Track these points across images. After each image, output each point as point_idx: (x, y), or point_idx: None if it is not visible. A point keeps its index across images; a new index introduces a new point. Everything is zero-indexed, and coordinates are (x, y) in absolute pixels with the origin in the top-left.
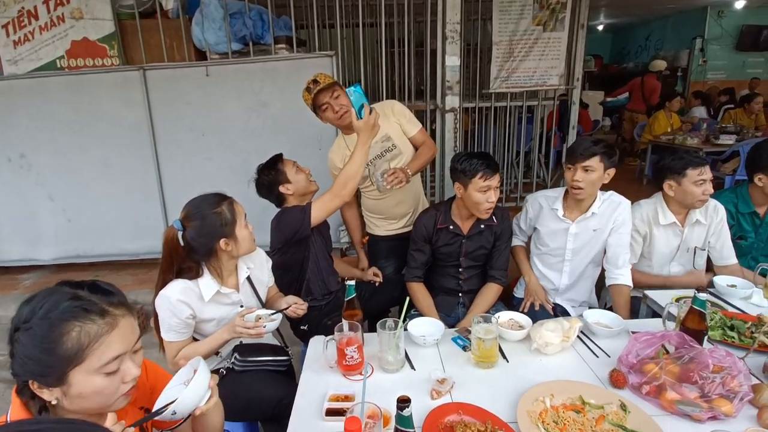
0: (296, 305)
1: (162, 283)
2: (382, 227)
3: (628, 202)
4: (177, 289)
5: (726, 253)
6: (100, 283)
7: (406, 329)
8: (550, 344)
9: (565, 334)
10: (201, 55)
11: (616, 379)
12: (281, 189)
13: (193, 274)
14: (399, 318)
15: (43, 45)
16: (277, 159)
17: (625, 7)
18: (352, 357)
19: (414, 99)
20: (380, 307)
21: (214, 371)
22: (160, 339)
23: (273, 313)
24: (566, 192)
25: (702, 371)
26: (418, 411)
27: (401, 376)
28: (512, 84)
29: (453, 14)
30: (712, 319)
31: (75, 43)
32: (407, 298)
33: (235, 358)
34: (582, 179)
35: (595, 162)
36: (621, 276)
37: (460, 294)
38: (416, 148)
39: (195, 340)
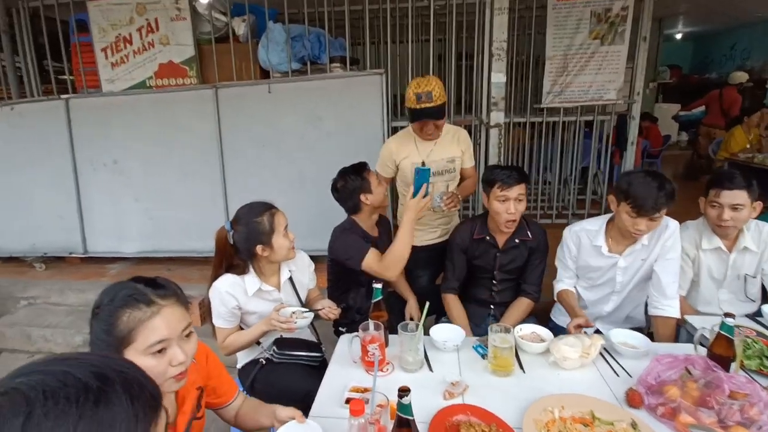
0: (329, 308)
1: (214, 277)
2: (419, 237)
3: (677, 223)
4: (227, 282)
5: None
6: (158, 279)
7: (426, 333)
8: (568, 359)
9: (585, 350)
10: (265, 74)
11: (632, 398)
12: (362, 198)
13: (240, 270)
14: (420, 321)
15: (135, 67)
16: (364, 167)
17: (707, 15)
18: (373, 354)
19: (464, 113)
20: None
21: (254, 360)
22: (213, 325)
23: (306, 311)
24: (608, 224)
25: (719, 396)
26: (430, 408)
27: (419, 376)
28: (565, 99)
29: (499, 33)
30: (749, 348)
31: (162, 65)
32: (427, 303)
33: (274, 350)
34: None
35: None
36: (669, 308)
37: (492, 306)
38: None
39: (241, 329)
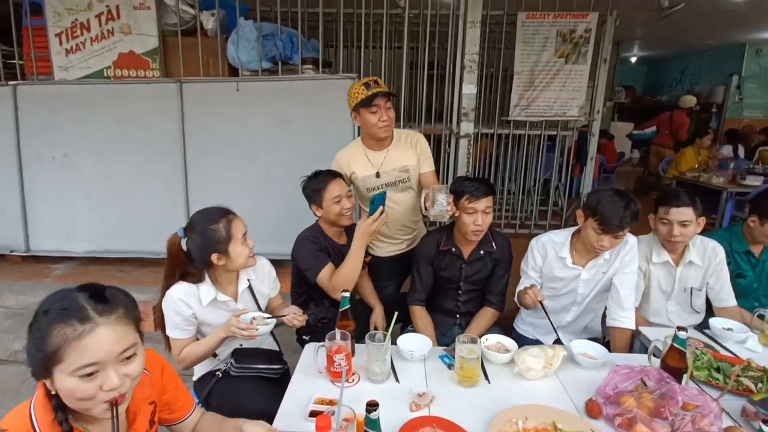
0: (294, 315)
1: (166, 286)
2: (384, 248)
3: (635, 239)
4: (181, 290)
5: (725, 295)
6: (108, 291)
7: (394, 343)
8: (532, 369)
9: (548, 360)
10: (233, 72)
11: (591, 409)
12: (313, 208)
13: (195, 279)
14: (388, 332)
15: (92, 55)
16: (327, 179)
17: (661, 40)
18: (339, 364)
19: (434, 122)
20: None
21: (211, 373)
22: (166, 338)
23: (268, 317)
24: (573, 236)
25: (672, 407)
26: (396, 421)
27: (385, 387)
28: (532, 113)
29: (472, 45)
30: (698, 359)
31: (122, 55)
32: (396, 313)
33: (231, 362)
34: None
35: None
36: (626, 319)
37: (457, 315)
38: (420, 186)
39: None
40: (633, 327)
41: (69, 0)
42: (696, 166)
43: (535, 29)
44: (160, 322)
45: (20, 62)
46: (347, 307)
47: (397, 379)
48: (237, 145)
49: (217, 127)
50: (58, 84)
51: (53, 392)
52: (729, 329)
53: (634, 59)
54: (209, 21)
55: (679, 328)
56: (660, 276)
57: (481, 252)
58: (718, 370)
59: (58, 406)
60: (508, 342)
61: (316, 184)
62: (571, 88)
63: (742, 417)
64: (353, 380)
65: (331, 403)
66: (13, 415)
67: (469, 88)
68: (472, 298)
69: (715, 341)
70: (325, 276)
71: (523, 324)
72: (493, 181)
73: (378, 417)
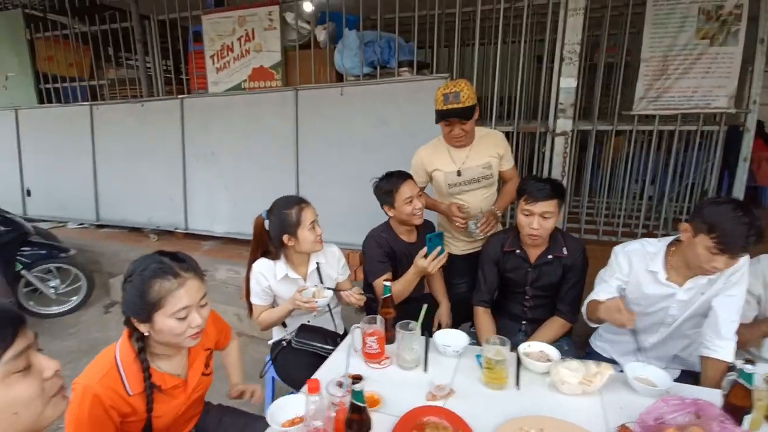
0: (351, 293)
1: (251, 260)
2: (459, 247)
3: (747, 257)
4: (262, 265)
5: None
6: (179, 253)
7: (431, 335)
8: (566, 383)
9: (587, 377)
10: (340, 78)
11: None
12: (385, 208)
13: (273, 256)
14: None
15: (235, 71)
16: (399, 181)
17: None
18: (371, 346)
19: (540, 119)
20: (453, 322)
21: (280, 341)
22: (249, 304)
23: (326, 288)
24: (668, 247)
25: None
26: (410, 405)
27: (411, 375)
28: (662, 105)
29: (573, 35)
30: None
31: (255, 69)
32: (425, 306)
33: (294, 336)
34: None
35: None
36: (721, 349)
37: (523, 322)
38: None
39: None
40: (729, 359)
41: (219, 27)
42: None
43: (670, 8)
44: (246, 291)
45: (186, 77)
46: (389, 295)
47: (425, 369)
48: (339, 143)
49: (324, 127)
50: (211, 96)
51: (146, 333)
52: None
53: None
54: (321, 34)
55: (747, 361)
56: None
57: (549, 256)
58: None
59: (140, 348)
60: (552, 351)
61: (388, 186)
62: (718, 74)
63: None
64: (385, 363)
65: (355, 377)
66: (102, 355)
67: (568, 82)
68: (541, 304)
69: None
70: (380, 284)
71: (600, 340)
72: (623, 185)
73: (362, 389)
